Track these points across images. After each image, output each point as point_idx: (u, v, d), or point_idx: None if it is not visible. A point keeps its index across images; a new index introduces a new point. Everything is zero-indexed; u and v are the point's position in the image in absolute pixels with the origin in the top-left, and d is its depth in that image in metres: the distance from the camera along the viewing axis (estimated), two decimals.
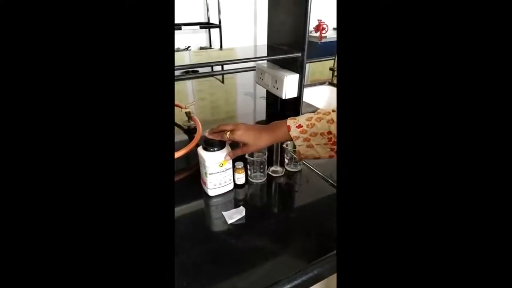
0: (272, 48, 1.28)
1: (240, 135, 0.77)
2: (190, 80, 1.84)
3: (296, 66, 1.16)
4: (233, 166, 0.85)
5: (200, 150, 0.80)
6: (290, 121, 0.76)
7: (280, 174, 0.93)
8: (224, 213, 0.77)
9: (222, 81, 1.92)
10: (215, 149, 0.78)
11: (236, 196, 0.85)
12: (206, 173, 0.79)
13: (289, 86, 1.16)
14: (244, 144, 0.78)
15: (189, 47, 3.20)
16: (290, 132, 0.75)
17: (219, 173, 0.80)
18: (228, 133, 0.78)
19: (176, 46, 3.13)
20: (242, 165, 0.86)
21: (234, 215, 0.76)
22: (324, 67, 1.98)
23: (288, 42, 1.18)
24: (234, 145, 0.82)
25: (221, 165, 0.79)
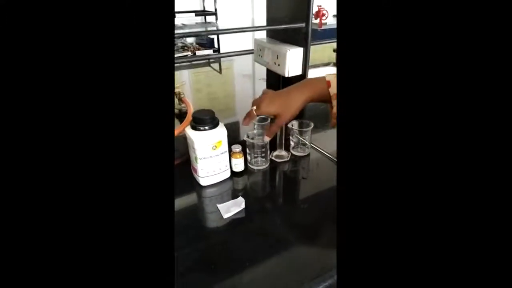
0: (272, 20, 1.14)
1: (266, 108, 0.66)
2: (187, 71, 1.72)
3: (300, 39, 1.02)
4: (229, 150, 0.71)
5: (188, 130, 0.66)
6: (330, 76, 0.63)
7: (285, 159, 0.79)
8: (219, 206, 0.64)
9: (220, 71, 1.80)
10: (206, 127, 0.64)
11: (234, 186, 0.72)
12: (196, 158, 0.66)
13: (292, 61, 1.01)
14: (276, 116, 0.66)
15: None
16: (330, 89, 0.62)
17: (212, 157, 0.66)
18: (254, 108, 0.67)
19: None
20: (240, 148, 0.72)
21: (232, 208, 0.63)
22: (324, 52, 1.87)
23: (290, 12, 1.04)
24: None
25: (214, 147, 0.66)
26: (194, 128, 0.64)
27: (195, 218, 0.64)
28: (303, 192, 0.72)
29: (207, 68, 1.85)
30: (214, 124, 0.65)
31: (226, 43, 3.01)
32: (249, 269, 0.51)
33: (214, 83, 1.64)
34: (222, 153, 0.68)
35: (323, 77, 0.64)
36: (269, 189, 0.74)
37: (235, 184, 0.73)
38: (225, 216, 0.61)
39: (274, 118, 0.68)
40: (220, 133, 0.66)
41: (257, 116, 0.68)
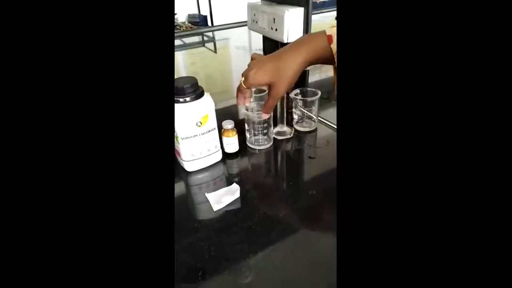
0: None
1: (255, 78, 0.51)
2: (181, 52, 1.60)
3: None
4: (220, 127, 0.58)
5: None
6: (332, 30, 0.49)
7: (288, 136, 0.67)
8: (209, 196, 0.52)
9: (215, 51, 1.68)
10: (187, 98, 0.51)
11: (227, 171, 0.60)
12: (177, 137, 0.53)
13: (291, 24, 0.88)
14: (270, 87, 0.52)
15: (175, 14, 2.89)
16: (332, 45, 0.49)
17: (197, 136, 0.54)
18: (242, 80, 0.52)
19: None
20: (233, 125, 0.59)
21: (224, 198, 0.51)
22: (325, 20, 1.74)
23: None
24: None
25: (199, 124, 0.53)
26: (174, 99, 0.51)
27: (179, 211, 0.52)
28: (311, 174, 0.60)
29: (202, 49, 1.73)
30: (197, 94, 0.52)
31: (220, 20, 2.84)
32: (244, 278, 0.39)
33: (210, 64, 1.52)
34: (209, 131, 0.55)
35: (323, 32, 0.50)
36: (269, 172, 0.62)
37: (228, 168, 0.60)
38: (216, 208, 0.49)
39: (268, 89, 0.55)
40: (206, 105, 0.53)
41: (247, 89, 0.53)
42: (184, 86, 0.50)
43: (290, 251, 0.43)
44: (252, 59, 0.56)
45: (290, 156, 0.65)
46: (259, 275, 0.39)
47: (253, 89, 0.61)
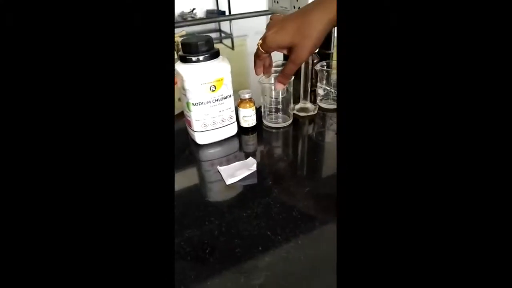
0: None
1: (276, 40, 0.44)
2: None
3: None
4: (236, 96, 0.52)
5: (177, 64, 0.47)
6: None
7: (312, 113, 0.60)
8: (221, 169, 0.45)
9: (232, 47, 1.63)
10: (200, 58, 0.45)
11: (243, 148, 0.53)
12: (188, 103, 0.47)
13: None
14: (290, 50, 0.45)
15: (194, 9, 2.87)
16: None
17: (210, 103, 0.48)
18: (260, 43, 0.45)
19: (180, 9, 2.85)
20: (251, 94, 0.53)
21: (238, 172, 0.44)
22: None
23: None
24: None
25: (213, 88, 0.47)
26: (184, 59, 0.46)
27: (190, 187, 0.46)
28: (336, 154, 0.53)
29: (220, 45, 1.69)
30: (211, 54, 0.46)
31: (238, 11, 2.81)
32: (259, 267, 0.33)
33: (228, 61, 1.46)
34: (224, 98, 0.49)
35: None
36: (291, 151, 0.55)
37: (244, 145, 0.54)
38: (229, 181, 0.43)
39: (288, 53, 0.46)
40: (221, 67, 0.47)
41: (265, 53, 0.46)
42: (198, 43, 0.44)
43: (317, 231, 0.36)
44: (270, 19, 0.49)
45: (314, 133, 0.58)
46: (279, 255, 0.33)
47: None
